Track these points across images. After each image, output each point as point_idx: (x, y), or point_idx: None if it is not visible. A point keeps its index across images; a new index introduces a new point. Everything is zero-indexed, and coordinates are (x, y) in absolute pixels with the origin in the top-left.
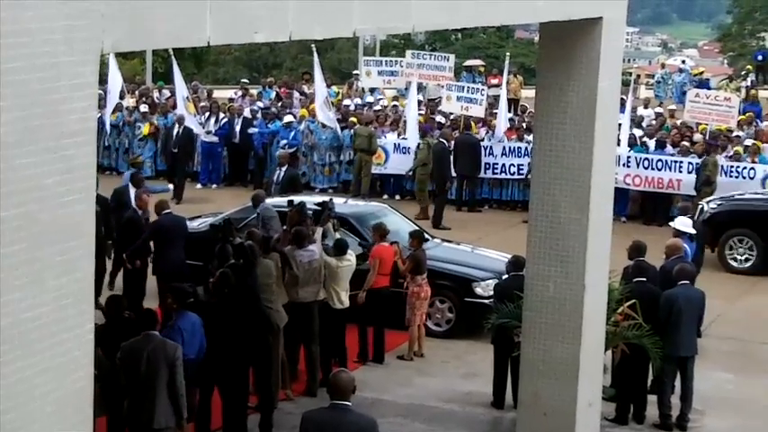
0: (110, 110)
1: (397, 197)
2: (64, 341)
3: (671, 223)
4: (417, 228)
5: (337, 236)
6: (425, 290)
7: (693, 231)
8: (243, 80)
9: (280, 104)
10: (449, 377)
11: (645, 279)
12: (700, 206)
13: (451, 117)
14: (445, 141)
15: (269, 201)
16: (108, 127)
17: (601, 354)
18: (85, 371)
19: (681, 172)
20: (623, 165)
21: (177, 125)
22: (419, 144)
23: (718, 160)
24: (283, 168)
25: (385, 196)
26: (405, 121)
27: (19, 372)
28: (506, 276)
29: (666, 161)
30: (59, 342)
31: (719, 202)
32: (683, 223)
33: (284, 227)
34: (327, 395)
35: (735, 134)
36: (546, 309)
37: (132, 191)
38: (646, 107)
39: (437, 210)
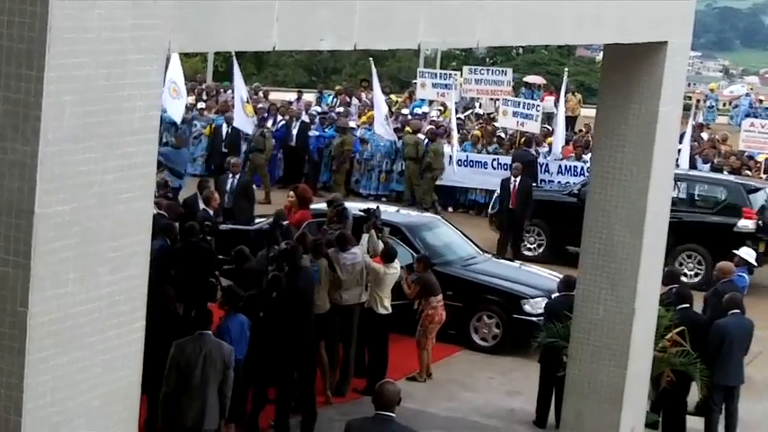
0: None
1: (450, 209)
2: (114, 337)
3: (735, 251)
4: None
5: (380, 243)
6: (440, 313)
7: (756, 264)
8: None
9: (338, 110)
10: (492, 393)
11: (688, 306)
12: None
13: (509, 132)
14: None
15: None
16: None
17: (647, 379)
18: (134, 368)
19: None
20: None
21: (226, 125)
22: None
23: None
24: (236, 176)
25: (439, 208)
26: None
27: (67, 365)
28: (557, 295)
29: None
30: (109, 338)
31: None
32: (748, 253)
33: (324, 227)
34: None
35: None
36: (594, 331)
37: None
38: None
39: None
